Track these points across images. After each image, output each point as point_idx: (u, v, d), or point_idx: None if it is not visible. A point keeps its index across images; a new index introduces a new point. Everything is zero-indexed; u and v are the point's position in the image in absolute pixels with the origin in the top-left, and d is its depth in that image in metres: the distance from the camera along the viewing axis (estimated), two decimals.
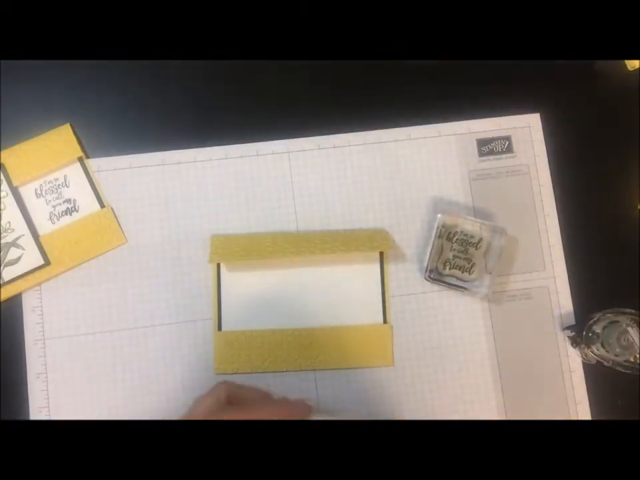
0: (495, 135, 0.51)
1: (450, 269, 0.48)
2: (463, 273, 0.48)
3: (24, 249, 0.48)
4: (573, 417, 0.48)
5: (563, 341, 0.49)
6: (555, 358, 0.49)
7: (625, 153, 0.52)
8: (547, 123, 0.52)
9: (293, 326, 0.48)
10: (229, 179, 0.50)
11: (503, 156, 0.51)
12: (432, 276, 0.48)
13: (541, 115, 0.52)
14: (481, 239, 0.48)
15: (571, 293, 0.50)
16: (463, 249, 0.48)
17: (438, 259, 0.48)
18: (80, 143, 0.49)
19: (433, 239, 0.48)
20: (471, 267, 0.48)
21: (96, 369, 0.47)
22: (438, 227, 0.48)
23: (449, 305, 0.49)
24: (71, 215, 0.48)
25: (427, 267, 0.48)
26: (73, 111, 0.50)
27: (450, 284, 0.48)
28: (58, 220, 0.48)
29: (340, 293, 0.49)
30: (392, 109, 0.51)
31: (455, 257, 0.48)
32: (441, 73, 0.52)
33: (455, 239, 0.48)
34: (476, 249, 0.48)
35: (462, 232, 0.48)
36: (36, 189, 0.48)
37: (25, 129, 0.49)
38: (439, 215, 0.48)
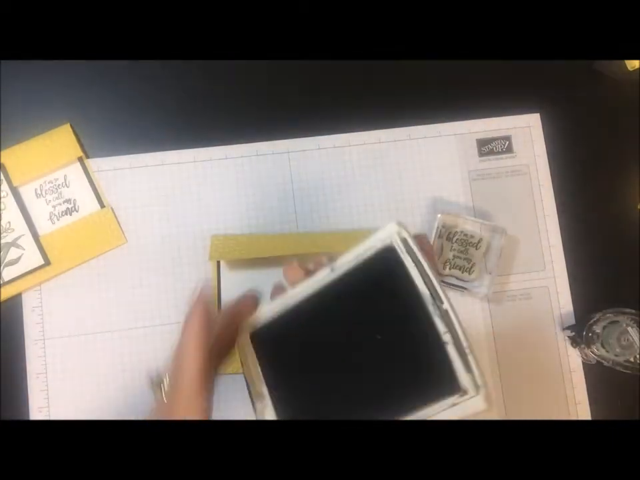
0: (495, 135, 0.51)
1: (450, 268, 0.48)
2: (462, 272, 0.48)
3: (24, 249, 0.48)
4: (573, 417, 0.48)
5: (562, 341, 0.49)
6: (555, 358, 0.49)
7: (625, 152, 0.52)
8: (547, 123, 0.52)
9: None
10: (229, 179, 0.50)
11: (503, 156, 0.51)
12: None
13: (541, 115, 0.52)
14: (480, 239, 0.48)
15: (571, 293, 0.50)
16: (463, 249, 0.48)
17: (438, 259, 0.48)
18: (80, 143, 0.49)
19: (433, 239, 0.48)
20: (471, 267, 0.48)
21: (96, 369, 0.47)
22: (438, 227, 0.48)
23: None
24: (71, 214, 0.48)
25: None
26: (72, 111, 0.50)
27: (450, 284, 0.48)
28: (58, 220, 0.48)
29: None
30: (392, 109, 0.51)
31: (455, 257, 0.48)
32: (440, 72, 0.52)
33: (455, 239, 0.48)
34: (476, 249, 0.48)
35: (462, 232, 0.48)
36: (36, 189, 0.48)
37: (25, 128, 0.49)
38: (438, 215, 0.48)
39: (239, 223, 0.49)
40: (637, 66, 0.52)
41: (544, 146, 0.51)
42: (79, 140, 0.49)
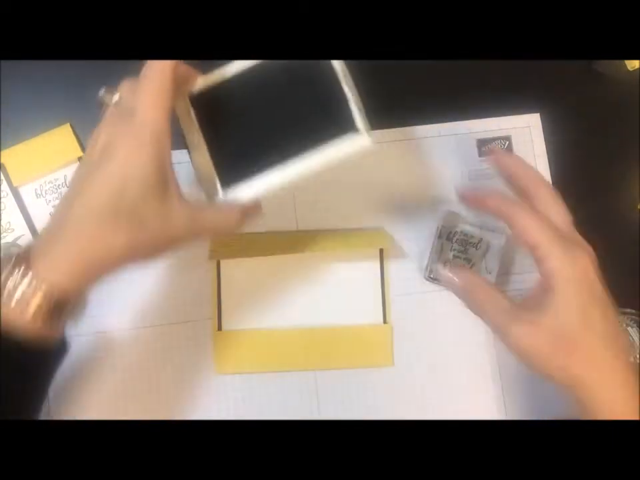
0: (495, 134, 0.51)
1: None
2: None
3: None
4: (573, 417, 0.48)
5: None
6: None
7: (625, 152, 0.52)
8: (547, 123, 0.52)
9: (293, 326, 0.48)
10: None
11: None
12: (432, 276, 0.48)
13: (541, 115, 0.52)
14: (481, 239, 0.48)
15: None
16: (462, 248, 0.48)
17: (438, 259, 0.48)
18: (80, 143, 0.49)
19: (433, 239, 0.48)
20: (471, 267, 0.48)
21: (95, 369, 0.47)
22: (438, 227, 0.48)
23: (449, 305, 0.49)
24: None
25: (427, 267, 0.48)
26: (73, 111, 0.50)
27: None
28: None
29: (340, 293, 0.49)
30: (392, 108, 0.51)
31: (455, 257, 0.48)
32: (441, 72, 0.52)
33: (455, 239, 0.48)
34: (476, 249, 0.48)
35: (462, 232, 0.48)
36: (36, 189, 0.48)
37: (25, 128, 0.49)
38: (438, 215, 0.48)
39: None
40: (637, 66, 0.52)
41: (544, 146, 0.51)
42: (79, 140, 0.49)
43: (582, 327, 0.34)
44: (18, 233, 0.48)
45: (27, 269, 0.31)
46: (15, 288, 0.30)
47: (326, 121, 0.38)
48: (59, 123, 0.49)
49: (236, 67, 0.39)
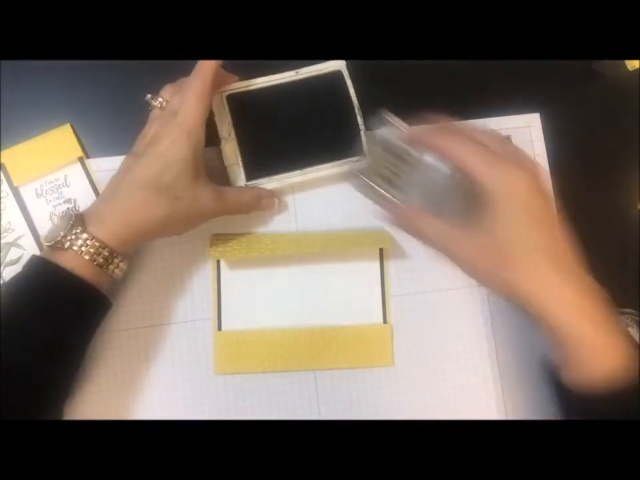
0: None
1: None
2: None
3: (24, 249, 0.47)
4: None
5: None
6: None
7: (625, 152, 0.52)
8: (547, 123, 0.52)
9: (293, 326, 0.48)
10: None
11: None
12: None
13: (540, 115, 0.52)
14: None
15: None
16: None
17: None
18: (80, 142, 0.49)
19: None
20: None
21: (96, 369, 0.47)
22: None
23: (449, 304, 0.49)
24: None
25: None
26: (73, 111, 0.50)
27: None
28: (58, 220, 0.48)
29: (340, 293, 0.49)
30: (392, 109, 0.51)
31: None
32: (440, 72, 0.52)
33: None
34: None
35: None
36: (36, 189, 0.48)
37: (25, 128, 0.49)
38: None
39: (239, 223, 0.49)
40: (637, 66, 0.52)
41: (544, 146, 0.51)
42: (79, 140, 0.49)
43: (518, 242, 0.35)
44: (18, 233, 0.48)
45: (83, 229, 0.38)
46: (72, 243, 0.38)
47: (340, 143, 0.47)
48: (59, 123, 0.49)
49: (272, 78, 0.47)
